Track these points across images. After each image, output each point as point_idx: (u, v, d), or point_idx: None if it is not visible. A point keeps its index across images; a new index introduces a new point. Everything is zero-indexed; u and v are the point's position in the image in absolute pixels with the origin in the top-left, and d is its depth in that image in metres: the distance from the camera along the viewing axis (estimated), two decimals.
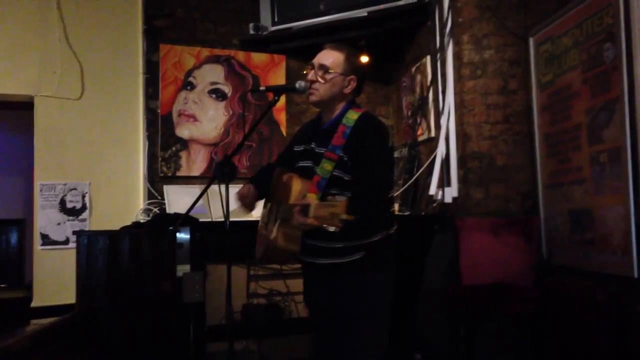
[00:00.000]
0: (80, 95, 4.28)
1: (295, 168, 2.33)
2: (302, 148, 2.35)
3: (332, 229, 1.86)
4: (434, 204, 3.99)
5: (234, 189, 2.24)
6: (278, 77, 4.70)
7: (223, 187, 2.20)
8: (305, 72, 2.33)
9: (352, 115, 2.22)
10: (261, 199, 2.46)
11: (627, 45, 2.81)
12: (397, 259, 2.28)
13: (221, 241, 3.27)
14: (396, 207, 3.79)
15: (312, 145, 2.29)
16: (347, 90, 2.27)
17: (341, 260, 2.18)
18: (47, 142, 4.17)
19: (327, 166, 2.17)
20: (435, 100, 4.11)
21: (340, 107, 2.28)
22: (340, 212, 1.80)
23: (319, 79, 2.24)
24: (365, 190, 2.09)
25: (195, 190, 4.17)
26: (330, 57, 2.25)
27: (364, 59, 2.40)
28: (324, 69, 2.24)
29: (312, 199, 2.04)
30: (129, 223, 3.81)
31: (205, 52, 4.56)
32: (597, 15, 3.03)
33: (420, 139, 4.36)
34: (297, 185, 2.18)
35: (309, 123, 2.46)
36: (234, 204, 2.26)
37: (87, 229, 4.11)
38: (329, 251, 2.19)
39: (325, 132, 2.25)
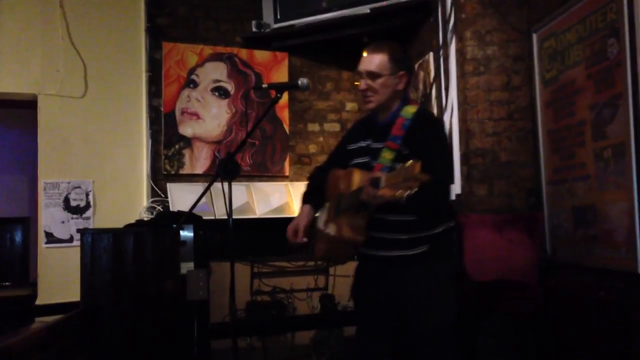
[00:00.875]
0: (84, 93, 4.29)
1: (349, 166, 2.32)
2: (356, 146, 2.37)
3: (405, 193, 1.81)
4: None
5: (237, 186, 2.25)
6: (281, 75, 4.70)
7: (226, 184, 2.21)
8: (357, 83, 2.34)
9: (410, 109, 2.25)
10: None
11: (630, 41, 2.79)
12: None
13: (224, 239, 3.29)
14: None
15: (368, 142, 2.31)
16: (400, 86, 2.28)
17: (406, 252, 2.20)
18: (51, 141, 4.18)
19: (387, 155, 2.18)
20: (439, 96, 4.10)
21: (396, 103, 2.29)
22: (416, 172, 1.77)
23: (373, 86, 2.24)
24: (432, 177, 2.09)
25: (198, 188, 4.17)
26: (374, 62, 2.24)
27: (404, 50, 2.40)
28: (373, 75, 2.24)
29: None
30: (132, 221, 3.81)
31: (208, 50, 4.56)
32: (601, 11, 3.02)
33: None
34: (357, 176, 2.17)
35: (362, 121, 2.47)
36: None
37: (91, 227, 4.12)
38: (393, 243, 2.21)
39: (383, 127, 2.26)
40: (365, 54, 2.29)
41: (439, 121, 2.34)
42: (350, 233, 2.13)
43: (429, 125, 2.24)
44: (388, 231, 2.20)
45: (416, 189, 1.78)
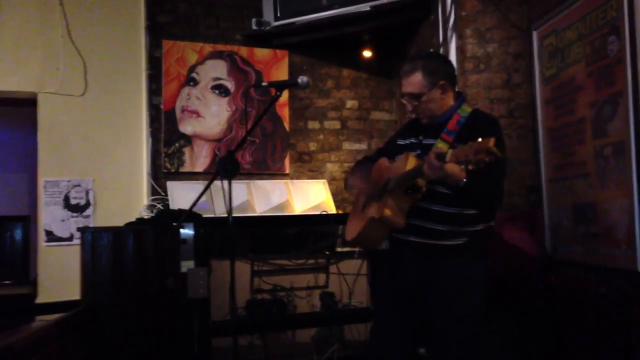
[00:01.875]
0: (84, 91, 4.28)
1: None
2: (408, 141, 2.38)
3: (472, 167, 1.79)
4: None
5: (237, 184, 2.25)
6: (281, 73, 4.69)
7: (226, 182, 2.21)
8: (405, 105, 2.35)
9: (467, 108, 2.28)
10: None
11: (631, 38, 2.79)
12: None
13: (225, 237, 3.28)
14: None
15: (420, 138, 2.32)
16: (445, 95, 2.28)
17: (443, 242, 2.21)
18: (51, 139, 4.18)
19: (442, 146, 2.17)
20: None
21: (450, 104, 2.31)
22: (490, 145, 1.73)
23: (418, 106, 2.27)
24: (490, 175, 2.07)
25: (198, 186, 4.17)
26: (412, 83, 2.27)
27: (441, 56, 2.42)
28: (414, 97, 2.27)
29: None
30: (132, 219, 3.81)
31: (208, 47, 4.56)
32: (601, 8, 3.01)
33: None
34: (413, 159, 2.15)
35: (416, 120, 2.46)
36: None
37: (91, 225, 4.11)
38: (432, 232, 2.22)
39: (438, 125, 2.28)
40: (403, 78, 2.31)
41: (497, 120, 2.36)
42: (392, 213, 2.12)
43: (486, 124, 2.25)
44: (429, 220, 2.21)
45: (487, 162, 1.75)
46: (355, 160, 2.65)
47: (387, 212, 2.11)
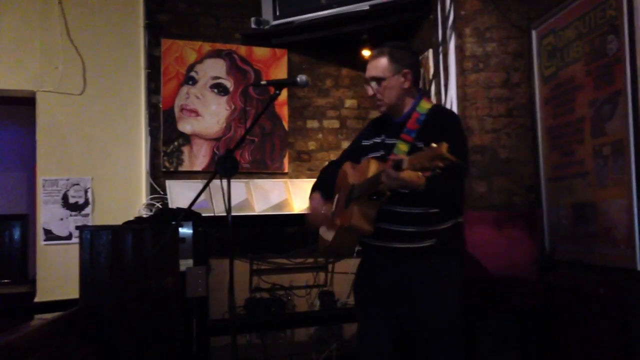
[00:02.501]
0: (82, 90, 4.27)
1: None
2: (371, 142, 2.38)
3: (429, 174, 1.82)
4: None
5: (236, 183, 2.24)
6: (280, 72, 4.69)
7: (225, 181, 2.21)
8: (367, 90, 2.35)
9: (425, 105, 2.28)
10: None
11: (630, 38, 2.79)
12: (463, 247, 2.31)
13: (223, 236, 3.28)
14: None
15: (383, 137, 2.32)
16: (407, 85, 2.29)
17: (413, 245, 2.19)
18: (50, 138, 4.17)
19: (402, 147, 2.20)
20: (438, 93, 4.10)
21: (410, 101, 2.32)
22: (443, 152, 1.74)
23: (378, 92, 2.28)
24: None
25: (197, 185, 4.17)
26: (376, 67, 2.29)
27: (407, 46, 2.42)
28: (377, 80, 2.28)
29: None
30: (131, 218, 3.81)
31: (207, 46, 4.55)
32: (600, 8, 3.01)
33: None
34: (374, 165, 2.16)
35: (377, 119, 2.49)
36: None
37: (90, 224, 4.11)
38: (401, 235, 2.21)
39: (399, 124, 2.29)
40: (369, 61, 2.33)
41: (456, 116, 2.40)
42: (359, 221, 2.12)
43: (445, 119, 2.27)
44: (395, 223, 2.20)
45: (442, 167, 1.77)
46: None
47: (354, 220, 2.12)
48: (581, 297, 3.09)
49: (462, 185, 2.26)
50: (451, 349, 2.23)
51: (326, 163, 2.79)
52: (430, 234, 2.20)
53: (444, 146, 1.75)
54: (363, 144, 2.43)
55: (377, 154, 2.30)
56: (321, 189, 2.48)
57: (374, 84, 2.29)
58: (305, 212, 2.43)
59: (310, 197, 2.49)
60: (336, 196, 2.41)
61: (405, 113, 2.31)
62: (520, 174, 3.73)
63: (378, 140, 2.35)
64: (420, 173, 1.85)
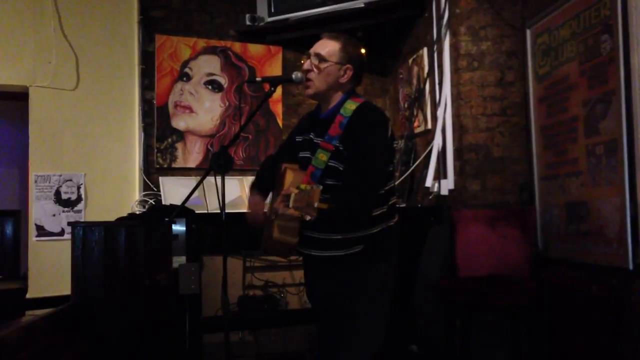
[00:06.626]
0: (76, 86, 4.25)
1: (297, 158, 2.30)
2: (301, 138, 2.33)
3: (307, 218, 1.85)
4: (430, 196, 3.99)
5: (230, 180, 2.24)
6: (274, 69, 4.68)
7: (219, 178, 2.19)
8: (302, 61, 2.28)
9: (350, 106, 2.18)
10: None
11: (624, 37, 2.80)
12: (398, 249, 2.25)
13: (217, 233, 3.27)
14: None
15: (311, 136, 2.26)
16: (343, 79, 2.22)
17: (340, 252, 2.14)
18: (42, 133, 4.14)
19: (322, 156, 2.14)
20: (432, 92, 4.10)
21: (338, 97, 2.24)
22: (314, 200, 1.79)
23: (314, 68, 2.21)
24: (356, 181, 2.07)
25: (191, 181, 4.16)
26: (326, 47, 2.23)
27: (362, 48, 2.36)
28: (320, 58, 2.21)
29: (295, 189, 1.95)
30: (124, 214, 3.80)
31: (202, 43, 4.54)
32: (595, 7, 3.02)
33: (417, 130, 4.36)
34: (290, 176, 2.15)
35: (309, 113, 2.43)
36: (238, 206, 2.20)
37: (82, 220, 4.09)
38: (327, 243, 2.16)
39: (323, 122, 2.23)
40: (321, 39, 2.27)
41: (379, 117, 2.22)
42: (279, 235, 2.10)
43: (365, 123, 2.15)
44: (322, 231, 2.15)
45: (315, 216, 1.82)
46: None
47: (275, 233, 2.10)
48: (573, 295, 3.11)
49: (371, 200, 2.13)
50: (361, 341, 2.17)
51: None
52: (357, 240, 2.14)
53: (316, 194, 1.79)
54: (297, 139, 2.37)
55: (306, 154, 2.23)
56: (259, 188, 2.44)
57: (314, 59, 2.21)
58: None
59: (249, 198, 2.44)
60: (273, 195, 2.40)
61: (329, 109, 2.23)
62: (513, 173, 3.75)
63: (307, 137, 2.29)
64: (303, 213, 1.86)
